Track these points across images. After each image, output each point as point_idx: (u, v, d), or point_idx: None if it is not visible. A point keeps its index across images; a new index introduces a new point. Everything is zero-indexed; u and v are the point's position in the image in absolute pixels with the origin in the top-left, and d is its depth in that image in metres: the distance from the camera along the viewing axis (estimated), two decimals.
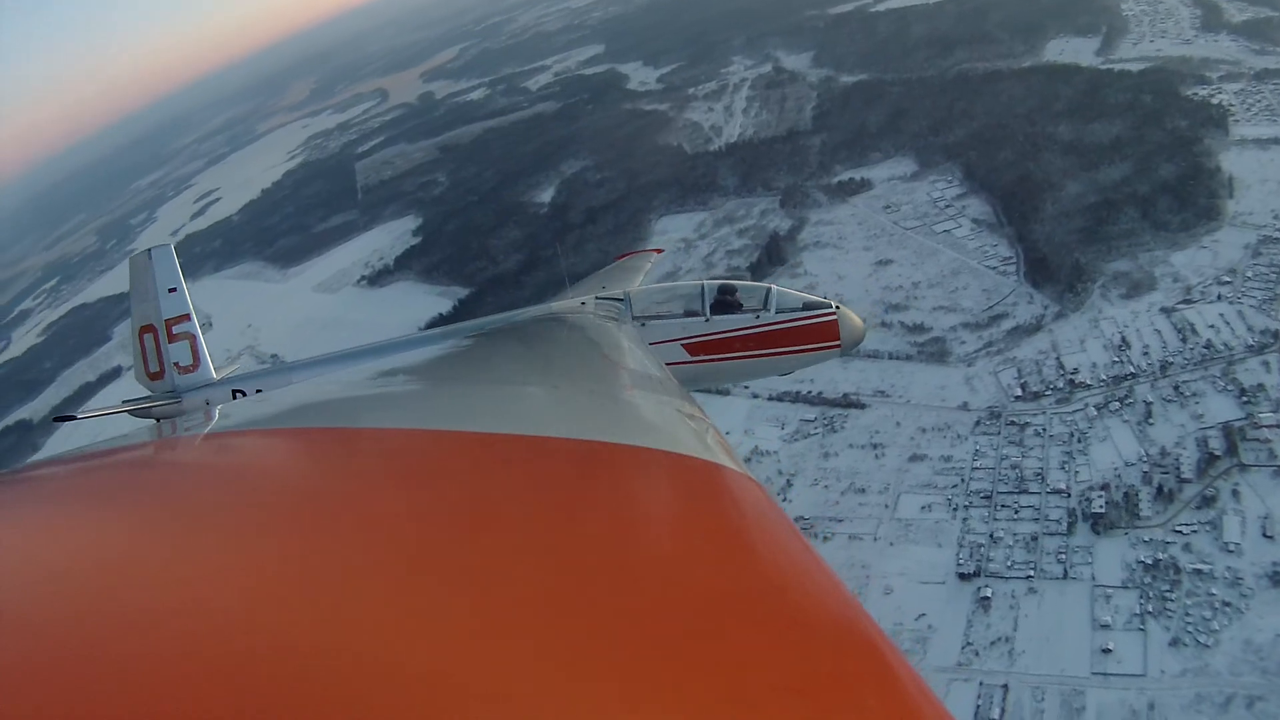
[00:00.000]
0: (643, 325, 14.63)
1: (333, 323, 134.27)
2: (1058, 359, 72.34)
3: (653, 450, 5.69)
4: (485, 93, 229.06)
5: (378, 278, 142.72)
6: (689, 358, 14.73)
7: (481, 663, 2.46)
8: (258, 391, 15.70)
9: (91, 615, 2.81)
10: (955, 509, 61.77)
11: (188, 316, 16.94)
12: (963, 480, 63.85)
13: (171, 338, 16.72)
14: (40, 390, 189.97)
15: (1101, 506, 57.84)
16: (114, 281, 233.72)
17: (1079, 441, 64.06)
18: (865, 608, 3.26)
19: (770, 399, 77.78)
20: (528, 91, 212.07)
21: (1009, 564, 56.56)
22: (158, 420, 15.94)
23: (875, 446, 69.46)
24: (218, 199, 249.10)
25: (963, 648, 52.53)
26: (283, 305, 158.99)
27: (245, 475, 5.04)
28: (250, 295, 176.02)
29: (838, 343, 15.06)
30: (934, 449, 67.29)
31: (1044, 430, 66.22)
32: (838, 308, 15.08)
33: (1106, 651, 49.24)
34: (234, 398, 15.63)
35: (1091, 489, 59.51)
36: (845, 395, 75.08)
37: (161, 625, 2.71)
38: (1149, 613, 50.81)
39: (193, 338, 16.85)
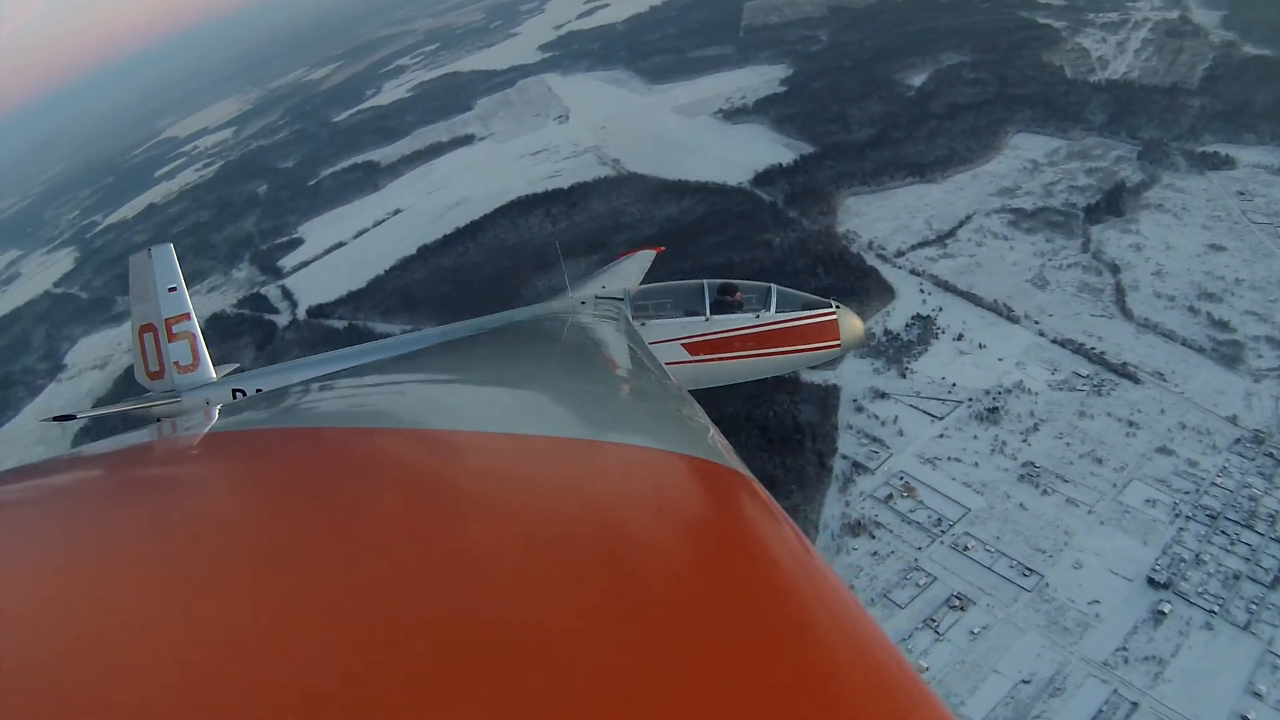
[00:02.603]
0: (643, 325, 14.84)
1: (679, 145, 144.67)
2: None
3: (652, 450, 5.69)
4: None
5: (734, 114, 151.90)
6: (689, 357, 15.09)
7: (482, 662, 2.51)
8: (258, 391, 16.02)
9: (91, 615, 2.96)
10: (1177, 515, 59.89)
11: (188, 316, 17.51)
12: (1197, 490, 61.42)
13: (171, 337, 17.28)
14: (395, 139, 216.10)
15: None
16: (490, 58, 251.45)
17: None
18: (865, 608, 3.27)
19: (1054, 341, 77.66)
20: None
21: (1200, 590, 54.57)
22: (158, 420, 16.48)
23: (1131, 425, 67.99)
24: (606, 5, 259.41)
25: (1116, 650, 52.16)
26: (639, 117, 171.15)
27: (245, 475, 5.21)
28: (612, 100, 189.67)
29: (838, 342, 15.45)
30: (1184, 449, 64.95)
31: None
32: (838, 307, 15.54)
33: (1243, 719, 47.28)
34: (234, 397, 16.11)
35: None
36: (1125, 364, 73.34)
37: (161, 625, 2.82)
38: None
39: (193, 337, 17.40)
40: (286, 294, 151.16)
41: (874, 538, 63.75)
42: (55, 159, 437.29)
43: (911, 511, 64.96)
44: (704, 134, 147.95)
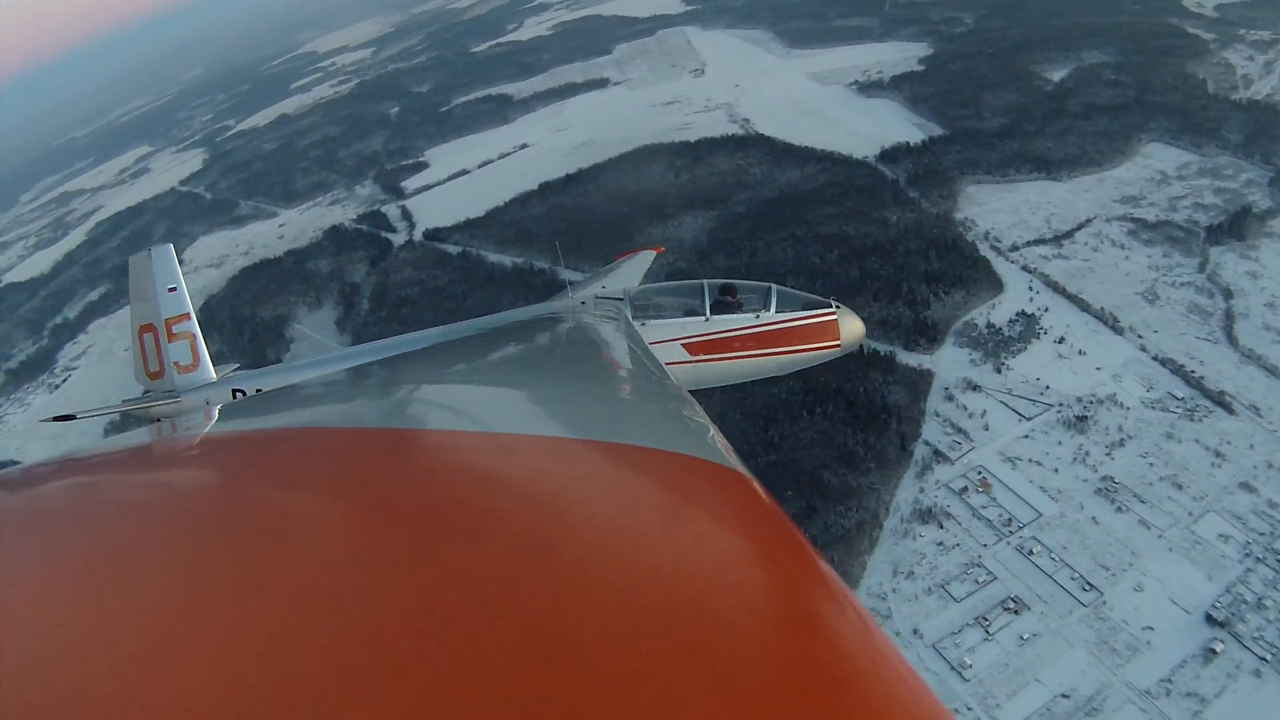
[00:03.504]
0: (643, 325, 14.83)
1: (810, 113, 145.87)
2: None
3: (652, 450, 5.70)
4: None
5: (868, 88, 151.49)
6: (689, 357, 15.14)
7: (481, 662, 2.52)
8: (258, 391, 16.01)
9: (91, 615, 2.98)
10: (1247, 555, 58.65)
11: (188, 316, 17.52)
12: (1272, 533, 59.90)
13: (171, 337, 17.26)
14: (530, 75, 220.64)
15: None
16: (634, 4, 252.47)
17: None
18: (865, 608, 3.29)
19: (1155, 358, 76.35)
20: None
21: (1256, 636, 53.37)
22: (157, 420, 16.63)
23: (1217, 455, 66.37)
24: None
25: (1161, 680, 52.02)
26: (773, 79, 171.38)
27: (244, 475, 5.20)
28: (749, 60, 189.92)
29: (838, 343, 15.50)
30: (1268, 490, 63.21)
31: None
32: (838, 307, 15.56)
33: None
34: (234, 397, 16.13)
35: None
36: (1222, 392, 71.62)
37: (161, 625, 2.84)
38: None
39: (193, 337, 17.35)
40: (406, 214, 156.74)
41: (942, 528, 65.01)
42: (195, 62, 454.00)
43: (984, 507, 65.85)
44: (836, 104, 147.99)
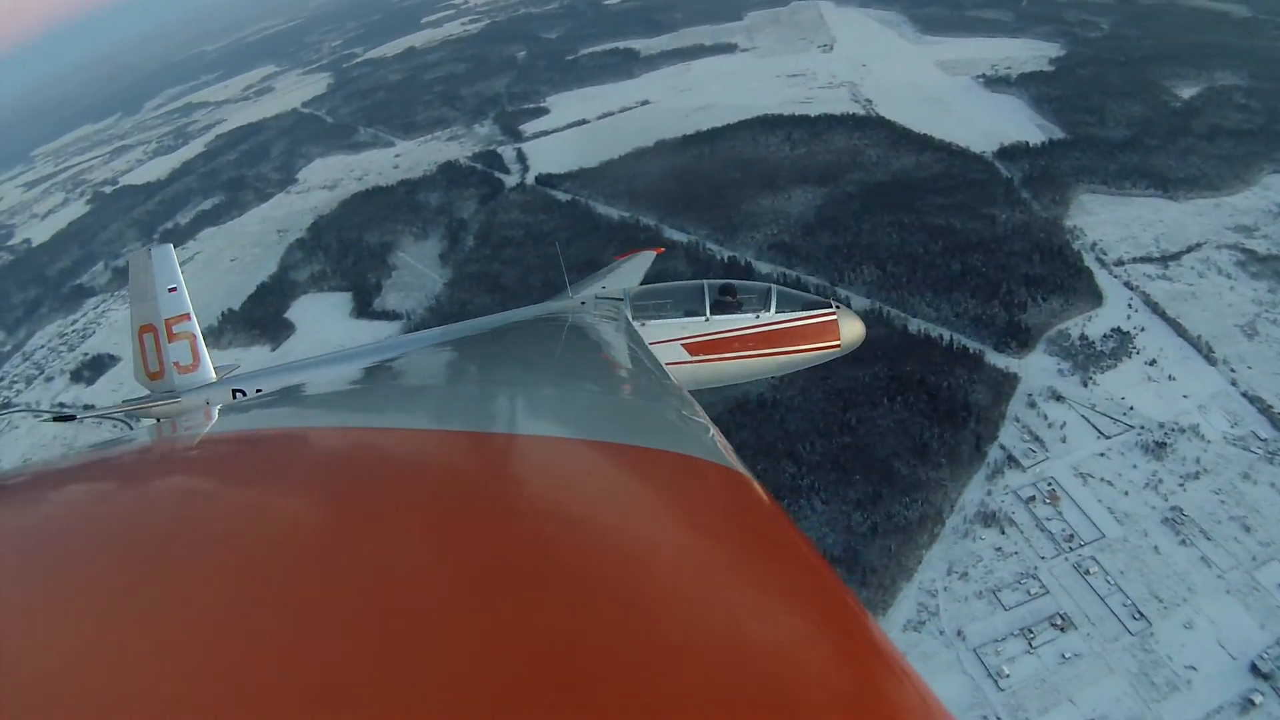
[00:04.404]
0: (643, 325, 14.82)
1: (934, 101, 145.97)
2: None
3: (652, 450, 5.70)
4: None
5: (995, 82, 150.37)
6: (689, 357, 15.05)
7: (482, 662, 2.54)
8: (258, 391, 15.95)
9: (90, 615, 3.00)
10: None
11: (187, 316, 17.42)
12: None
13: (171, 337, 17.17)
14: (659, 33, 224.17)
15: None
16: None
17: None
18: (867, 609, 3.29)
19: (1245, 394, 74.65)
20: None
21: None
22: (157, 420, 16.67)
23: None
24: None
25: None
26: (901, 62, 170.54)
27: (244, 475, 5.19)
28: (879, 40, 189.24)
29: (838, 343, 15.45)
30: None
31: None
32: (838, 308, 15.54)
33: None
34: (234, 397, 16.01)
35: None
36: None
37: (161, 626, 2.86)
38: None
39: (193, 337, 17.26)
40: (521, 157, 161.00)
41: (1003, 533, 65.27)
42: None
43: (1048, 519, 65.77)
44: (961, 94, 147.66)
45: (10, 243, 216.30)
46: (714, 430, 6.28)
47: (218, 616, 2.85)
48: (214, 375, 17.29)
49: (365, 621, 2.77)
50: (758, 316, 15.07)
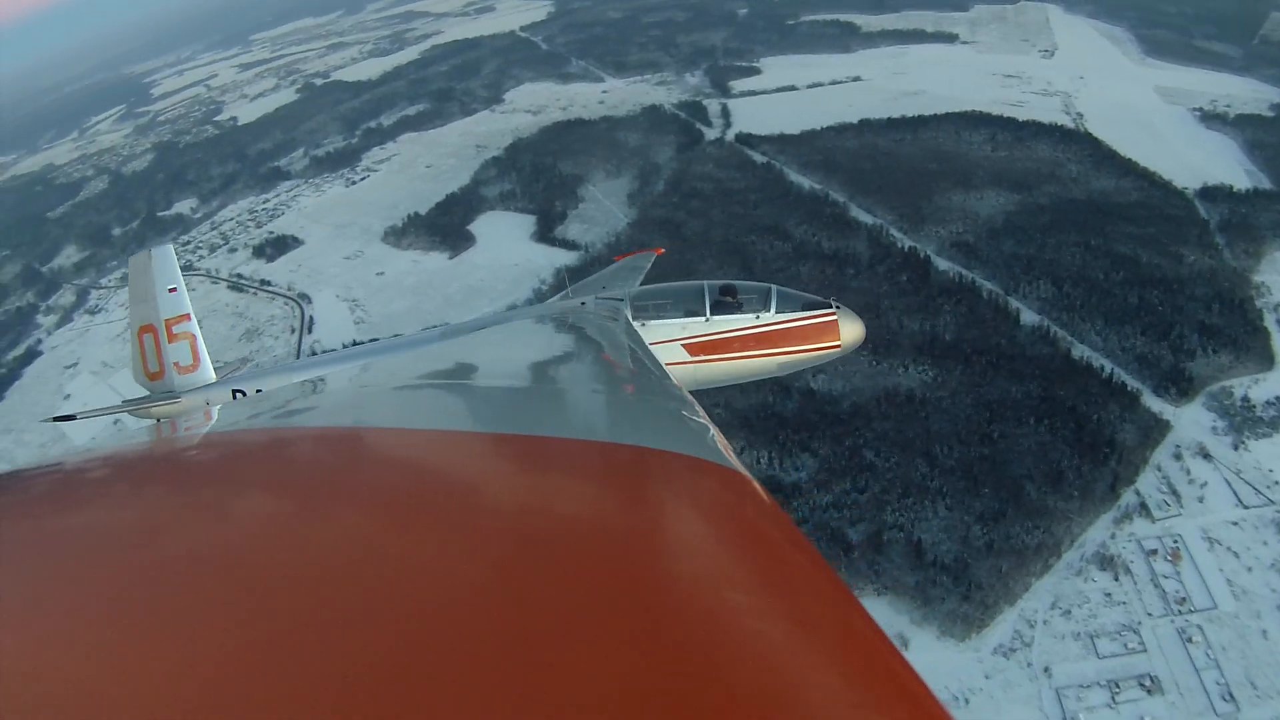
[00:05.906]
0: (643, 325, 14.77)
1: (1145, 126, 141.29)
2: None
3: (652, 450, 5.64)
4: None
5: (1211, 118, 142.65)
6: (689, 358, 15.07)
7: (482, 663, 2.52)
8: (258, 391, 16.03)
9: (90, 616, 3.01)
10: None
11: (187, 316, 17.46)
12: None
13: (171, 337, 17.22)
14: (882, 12, 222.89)
15: None
16: None
17: None
18: (866, 609, 3.23)
19: None
20: None
21: None
22: (157, 420, 16.73)
23: None
24: None
25: None
26: (1119, 81, 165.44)
27: (244, 475, 5.19)
28: (1101, 54, 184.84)
29: (838, 343, 15.39)
30: None
31: None
32: (838, 308, 15.44)
33: None
34: (234, 398, 16.05)
35: None
36: None
37: (161, 626, 2.85)
38: None
39: (193, 337, 17.27)
40: (725, 113, 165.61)
41: (1117, 580, 64.10)
42: None
43: (1165, 577, 64.12)
44: (1174, 124, 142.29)
45: (218, 118, 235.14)
46: (714, 430, 6.30)
47: (218, 617, 2.91)
48: (214, 375, 17.79)
49: (368, 622, 2.82)
50: (758, 317, 15.21)
